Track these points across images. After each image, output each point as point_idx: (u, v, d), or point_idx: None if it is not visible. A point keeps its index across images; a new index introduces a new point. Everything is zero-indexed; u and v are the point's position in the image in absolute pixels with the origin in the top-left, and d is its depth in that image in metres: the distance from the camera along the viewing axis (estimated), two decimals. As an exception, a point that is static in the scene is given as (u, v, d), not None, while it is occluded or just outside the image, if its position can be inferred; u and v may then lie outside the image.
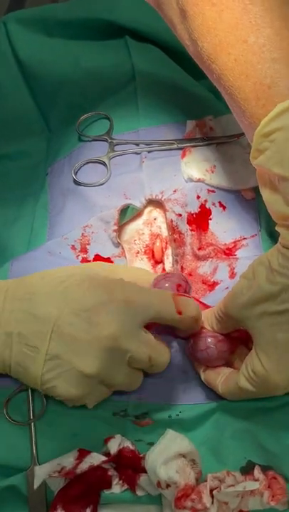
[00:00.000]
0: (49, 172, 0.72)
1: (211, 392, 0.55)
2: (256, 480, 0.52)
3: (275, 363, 0.48)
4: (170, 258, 0.61)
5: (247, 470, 0.53)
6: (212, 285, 0.60)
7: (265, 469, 0.53)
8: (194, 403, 0.55)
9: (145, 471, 0.52)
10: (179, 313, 0.51)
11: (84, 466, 0.52)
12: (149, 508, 0.53)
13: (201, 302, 0.58)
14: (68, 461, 0.52)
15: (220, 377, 0.53)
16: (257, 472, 0.52)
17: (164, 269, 0.61)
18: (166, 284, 0.55)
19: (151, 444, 0.53)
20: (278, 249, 0.48)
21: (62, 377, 0.48)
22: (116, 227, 0.61)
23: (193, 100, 0.71)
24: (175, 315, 0.51)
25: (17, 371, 0.50)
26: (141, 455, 0.53)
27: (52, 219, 0.67)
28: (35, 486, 0.52)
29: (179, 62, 0.73)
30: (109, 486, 0.53)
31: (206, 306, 0.57)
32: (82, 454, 0.53)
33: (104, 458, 0.52)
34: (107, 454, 0.53)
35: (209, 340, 0.53)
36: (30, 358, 0.48)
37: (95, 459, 0.52)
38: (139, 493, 0.53)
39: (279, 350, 0.48)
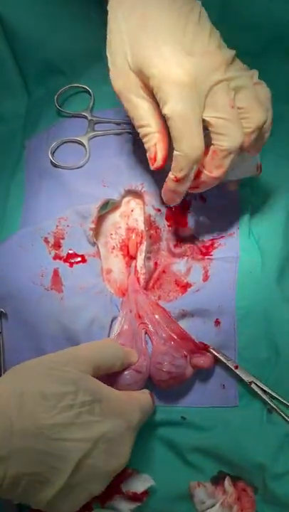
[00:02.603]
0: (26, 146, 0.69)
1: (179, 396, 0.55)
2: (226, 492, 0.53)
3: None
4: (143, 255, 0.59)
5: (217, 480, 0.55)
6: (184, 286, 0.59)
7: (234, 480, 0.54)
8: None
9: (120, 492, 0.53)
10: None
11: None
12: None
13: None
14: None
15: None
16: (227, 484, 0.53)
17: (136, 267, 0.60)
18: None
19: None
20: None
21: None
22: (93, 226, 0.59)
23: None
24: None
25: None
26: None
27: (28, 201, 0.65)
28: None
29: None
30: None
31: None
32: None
33: None
34: None
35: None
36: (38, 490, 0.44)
37: None
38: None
39: None
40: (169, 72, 0.48)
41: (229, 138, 0.50)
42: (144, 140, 0.53)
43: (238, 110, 0.50)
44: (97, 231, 0.61)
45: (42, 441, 0.42)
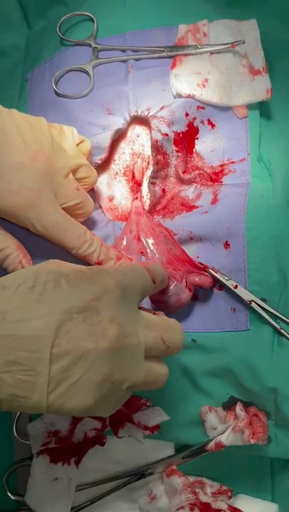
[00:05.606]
0: (29, 78, 0.67)
1: (190, 322, 0.54)
2: (237, 417, 0.52)
3: None
4: (148, 180, 0.58)
5: (229, 405, 0.54)
6: (190, 207, 0.57)
7: (246, 405, 0.53)
8: None
9: (132, 421, 0.53)
10: (153, 282, 0.47)
11: (79, 435, 0.52)
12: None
13: None
14: (63, 425, 0.53)
15: None
16: (239, 409, 0.52)
17: (141, 192, 0.58)
18: None
19: None
20: None
21: (72, 391, 0.40)
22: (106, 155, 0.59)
23: (187, 1, 0.64)
24: (152, 285, 0.47)
25: (12, 404, 0.40)
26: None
27: None
28: (34, 450, 0.54)
29: None
30: (103, 444, 0.54)
31: None
32: (76, 419, 0.53)
33: (97, 424, 0.53)
34: None
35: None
36: (30, 384, 0.39)
37: (88, 425, 0.53)
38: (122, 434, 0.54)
39: None
40: (14, 202, 0.49)
41: (85, 211, 0.54)
42: (5, 264, 0.51)
43: (78, 184, 0.54)
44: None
45: (5, 325, 0.39)
